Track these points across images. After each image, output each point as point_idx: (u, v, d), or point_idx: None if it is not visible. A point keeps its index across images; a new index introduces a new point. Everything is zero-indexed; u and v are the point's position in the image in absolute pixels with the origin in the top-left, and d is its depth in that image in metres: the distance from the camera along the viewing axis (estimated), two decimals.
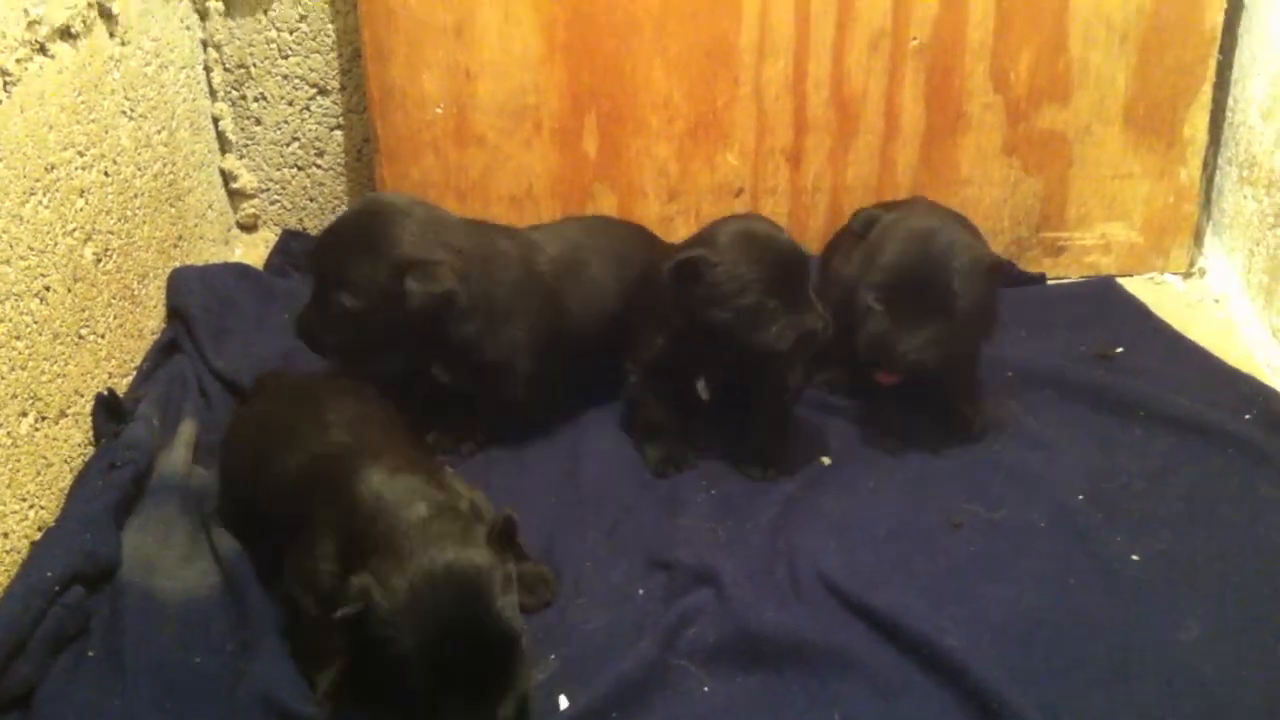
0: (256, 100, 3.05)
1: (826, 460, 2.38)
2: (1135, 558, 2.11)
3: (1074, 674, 1.88)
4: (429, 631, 1.67)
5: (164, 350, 2.58)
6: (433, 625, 1.67)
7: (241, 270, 2.91)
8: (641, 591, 2.07)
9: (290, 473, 1.98)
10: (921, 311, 2.31)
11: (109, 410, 2.31)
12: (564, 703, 1.82)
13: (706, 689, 1.86)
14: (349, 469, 1.89)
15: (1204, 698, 1.84)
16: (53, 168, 2.17)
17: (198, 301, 2.67)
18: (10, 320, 2.01)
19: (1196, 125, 2.92)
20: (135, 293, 2.51)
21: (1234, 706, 1.83)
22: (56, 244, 2.17)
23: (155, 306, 2.62)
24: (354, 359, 2.40)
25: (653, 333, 2.35)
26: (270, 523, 1.99)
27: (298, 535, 1.90)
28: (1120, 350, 2.65)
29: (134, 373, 2.49)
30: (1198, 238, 3.02)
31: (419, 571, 1.69)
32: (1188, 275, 3.01)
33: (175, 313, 2.65)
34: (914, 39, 2.84)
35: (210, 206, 2.94)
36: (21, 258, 2.05)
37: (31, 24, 2.12)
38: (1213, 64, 2.87)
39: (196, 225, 2.84)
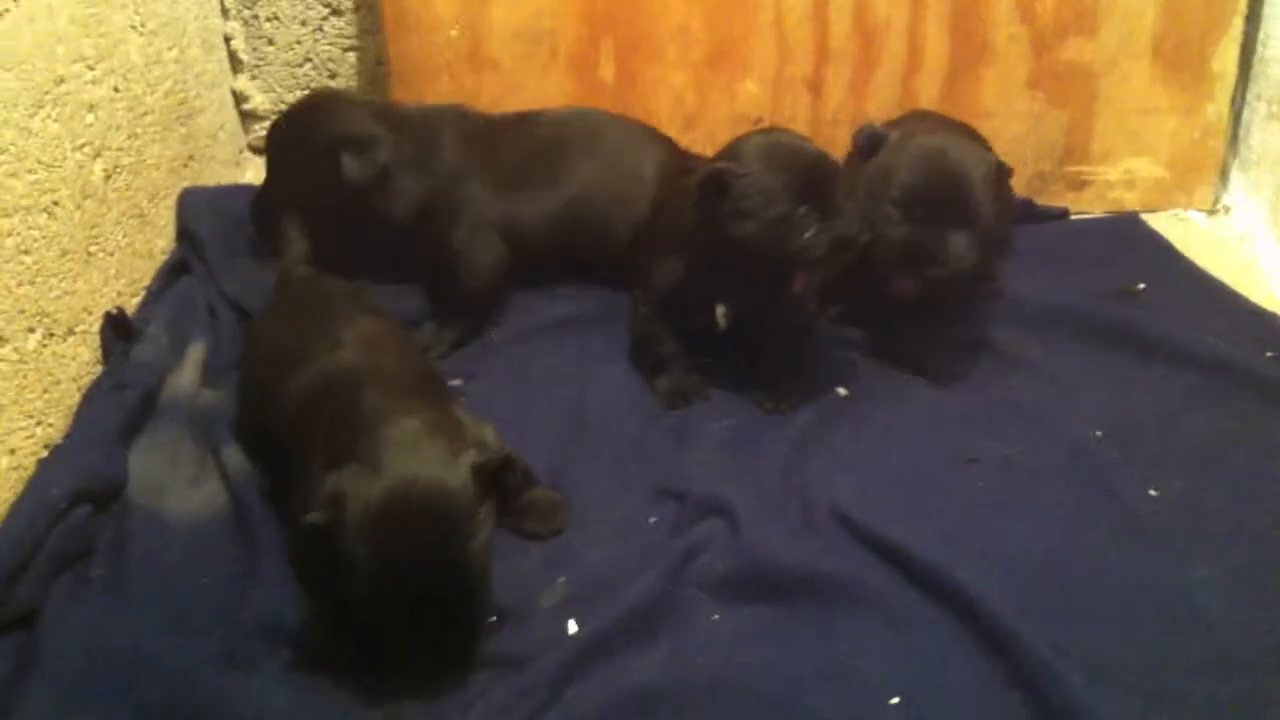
0: (269, 20, 3.01)
1: (844, 392, 2.35)
2: (1153, 492, 2.08)
3: (1084, 611, 1.86)
4: (387, 552, 1.61)
5: (173, 271, 2.56)
6: (392, 547, 1.61)
7: (252, 193, 2.87)
8: (652, 519, 2.05)
9: (299, 392, 1.94)
10: (946, 222, 2.30)
11: (117, 329, 2.29)
12: (573, 627, 1.81)
13: (715, 617, 1.85)
14: (353, 389, 1.85)
15: (1213, 637, 1.82)
16: (61, 80, 2.13)
17: (208, 223, 2.65)
18: (18, 234, 1.98)
19: (1226, 60, 2.87)
20: (145, 212, 2.48)
21: (1243, 647, 1.80)
22: (65, 159, 2.15)
23: (165, 226, 2.59)
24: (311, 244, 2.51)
25: (669, 257, 2.32)
26: (279, 443, 1.95)
27: (301, 458, 1.85)
28: (1142, 287, 2.62)
29: (143, 292, 2.47)
30: (1223, 174, 2.97)
31: (389, 485, 1.63)
32: (1212, 212, 2.97)
33: (185, 234, 2.63)
34: None
35: (222, 128, 2.90)
36: (30, 171, 2.02)
37: None
38: None
39: (208, 146, 2.81)
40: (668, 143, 2.73)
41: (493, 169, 2.59)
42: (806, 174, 2.18)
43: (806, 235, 2.17)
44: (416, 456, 1.67)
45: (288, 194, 2.56)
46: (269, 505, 2.01)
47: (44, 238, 2.06)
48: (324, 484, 1.66)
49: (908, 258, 2.32)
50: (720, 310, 2.31)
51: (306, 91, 3.09)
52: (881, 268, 2.35)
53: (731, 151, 2.25)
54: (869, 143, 2.40)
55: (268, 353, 2.11)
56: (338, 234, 2.51)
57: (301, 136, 2.54)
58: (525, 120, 2.70)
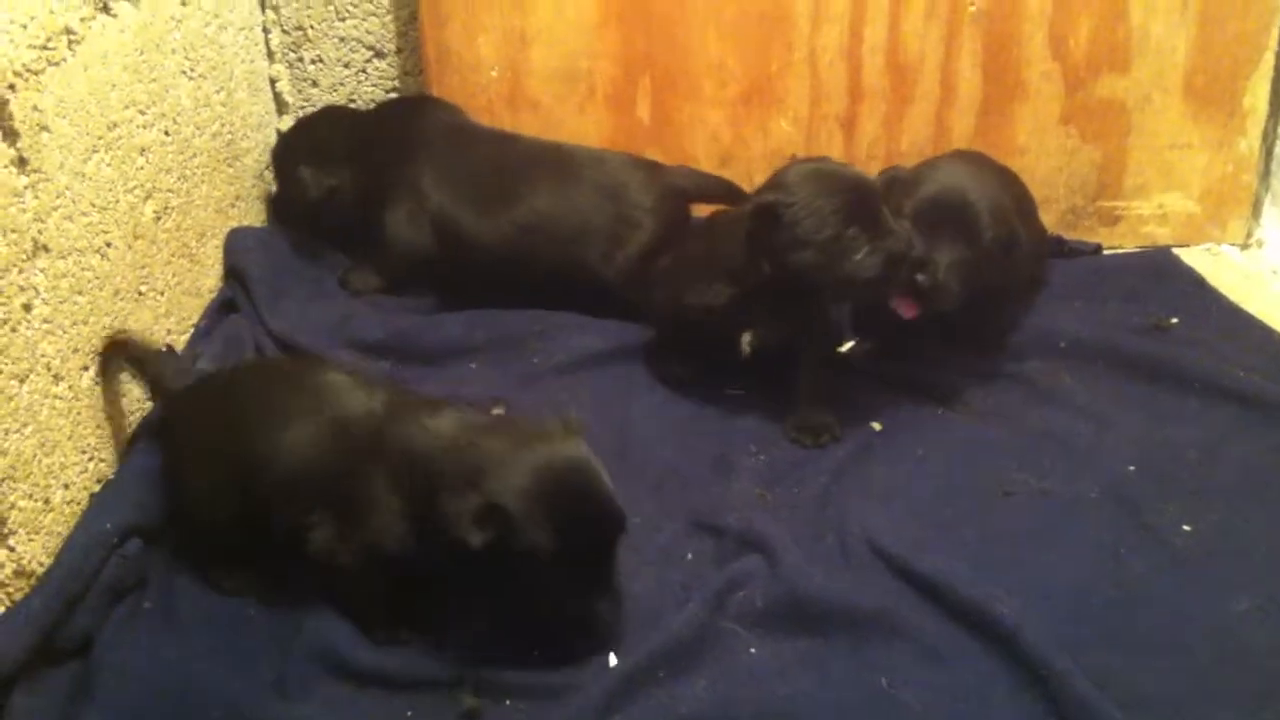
0: (314, 62, 3.07)
1: (878, 426, 2.38)
2: (1187, 529, 2.09)
3: (1123, 644, 1.87)
4: (567, 521, 1.71)
5: (221, 309, 2.60)
6: (568, 514, 1.71)
7: (298, 233, 2.93)
8: (689, 555, 2.07)
9: (301, 444, 1.90)
10: (951, 237, 2.35)
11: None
12: (613, 660, 1.83)
13: (754, 650, 1.87)
14: (382, 424, 1.86)
15: (1254, 670, 1.83)
16: (115, 126, 2.19)
17: (255, 262, 2.70)
18: (73, 275, 2.03)
19: (1257, 95, 2.89)
20: (194, 251, 2.53)
21: None
22: (118, 201, 2.20)
23: (213, 265, 2.65)
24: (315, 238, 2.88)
25: (702, 285, 2.37)
26: (275, 506, 1.92)
27: (330, 506, 1.85)
28: (1175, 321, 2.64)
29: (191, 330, 2.51)
30: (1256, 209, 2.99)
31: (540, 472, 1.72)
32: (1245, 246, 2.98)
33: (232, 272, 2.68)
34: (972, 5, 2.82)
35: (268, 167, 2.96)
36: (84, 214, 2.07)
37: None
38: (1275, 33, 2.84)
39: (254, 186, 2.87)
40: (669, 175, 2.76)
41: (457, 174, 2.72)
42: (851, 196, 2.23)
43: (858, 256, 2.22)
44: (534, 444, 1.77)
45: (280, 198, 2.92)
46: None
47: (97, 278, 2.11)
48: (466, 511, 1.70)
49: (897, 267, 2.34)
50: (746, 338, 2.36)
51: None
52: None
53: (775, 182, 2.30)
54: (891, 182, 2.45)
55: (235, 420, 2.00)
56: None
57: (283, 146, 2.93)
58: (506, 139, 2.80)
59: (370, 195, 2.78)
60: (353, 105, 3.10)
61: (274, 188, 2.97)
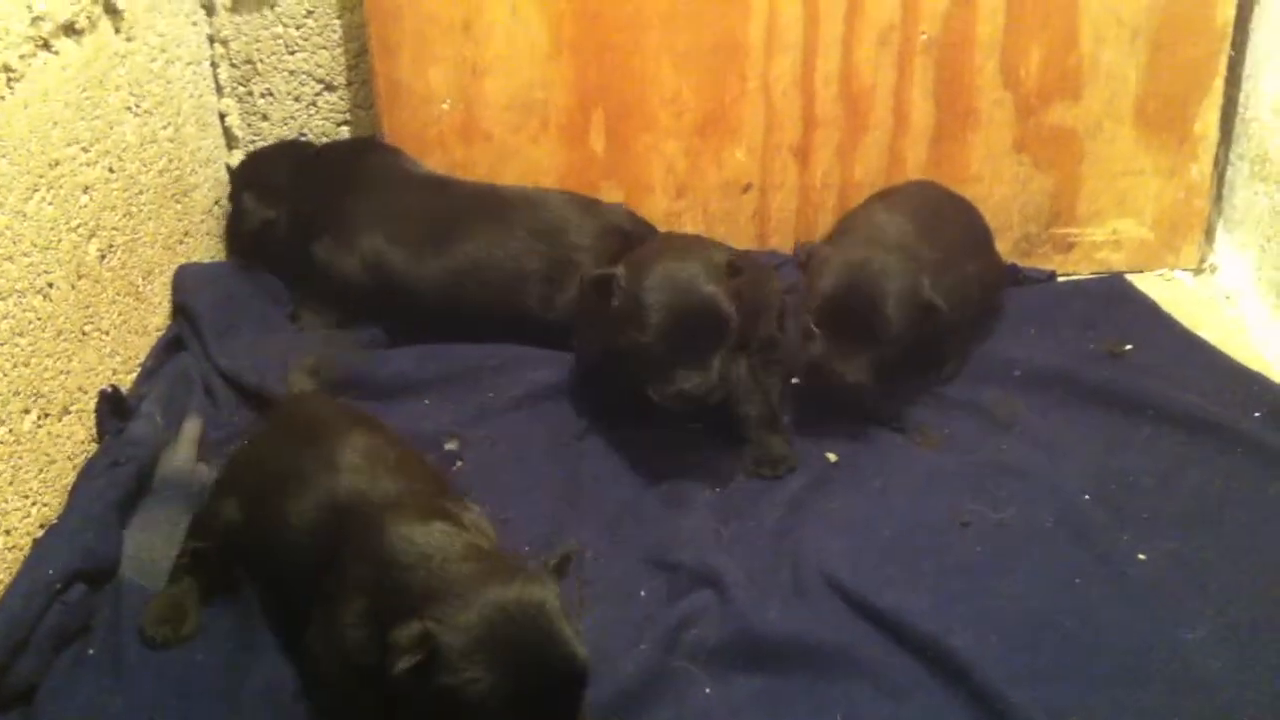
0: (264, 96, 3.05)
1: (833, 457, 2.36)
2: (1142, 557, 2.09)
3: (1080, 675, 1.87)
4: (508, 665, 1.55)
5: (168, 347, 2.57)
6: (511, 659, 1.56)
7: (247, 268, 2.90)
8: (643, 592, 2.05)
9: (305, 521, 1.86)
10: (855, 336, 2.35)
11: (113, 407, 2.30)
12: None
13: (708, 690, 1.85)
14: (373, 520, 1.77)
15: (1210, 699, 1.83)
16: (56, 164, 2.16)
17: (203, 299, 2.66)
18: (14, 317, 2.00)
19: (1208, 121, 2.90)
20: (140, 289, 2.50)
21: (1240, 708, 1.81)
22: (60, 240, 2.17)
23: (160, 303, 2.61)
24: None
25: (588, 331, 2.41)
26: (281, 572, 1.90)
27: (318, 593, 1.79)
28: (1130, 348, 2.64)
29: (138, 369, 2.48)
30: (1209, 234, 3.00)
31: (488, 608, 1.58)
32: (1199, 272, 2.99)
33: (180, 310, 2.65)
34: (923, 34, 2.83)
35: (217, 202, 2.93)
36: (25, 254, 2.04)
37: (36, 20, 2.11)
38: (1224, 60, 2.85)
39: (203, 221, 2.84)
40: (607, 214, 2.76)
41: (390, 217, 2.72)
42: (679, 318, 2.22)
43: (657, 376, 2.24)
44: (496, 579, 1.63)
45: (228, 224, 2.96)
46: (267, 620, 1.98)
47: (39, 319, 2.08)
48: (403, 633, 1.57)
49: (810, 376, 2.41)
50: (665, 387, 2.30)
51: None
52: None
53: (643, 257, 2.32)
54: (807, 259, 2.46)
55: (265, 477, 1.98)
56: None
57: (237, 173, 2.97)
58: (441, 183, 2.81)
59: (304, 231, 2.78)
60: (311, 140, 3.08)
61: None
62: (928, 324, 2.38)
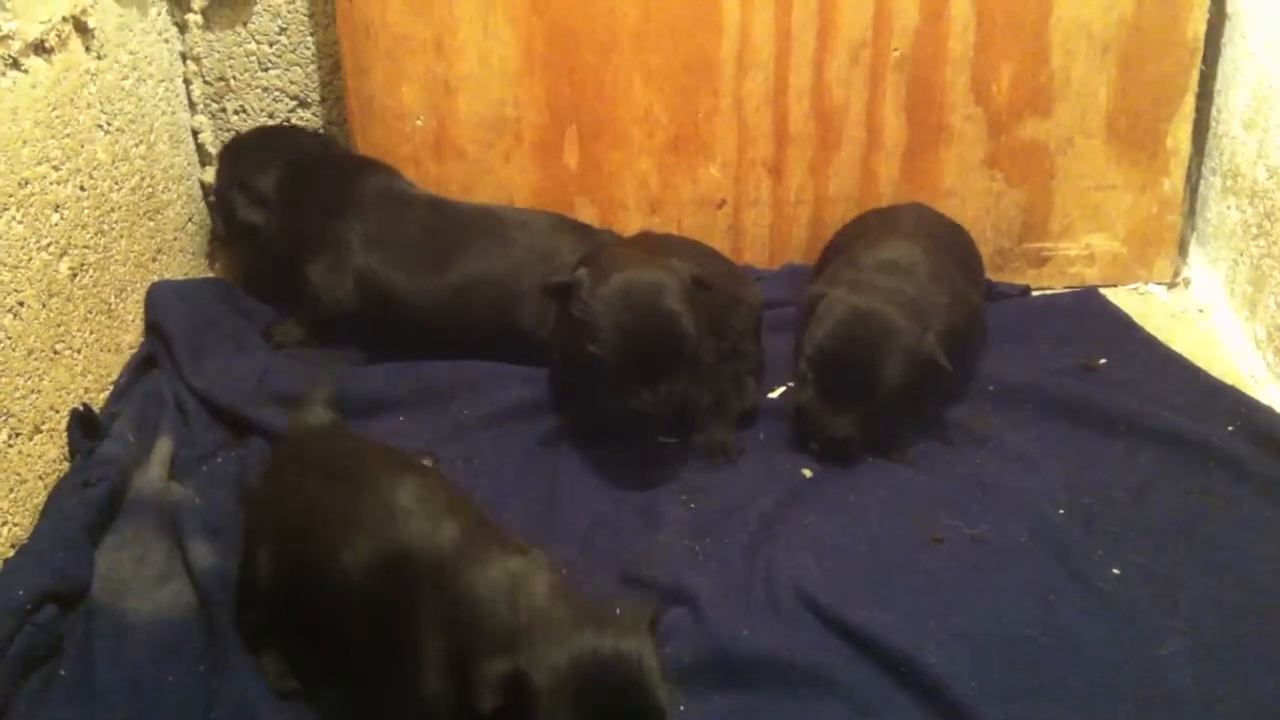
0: (237, 113, 3.04)
1: (808, 473, 2.36)
2: (1115, 572, 2.10)
3: (1053, 691, 1.88)
4: (596, 713, 1.52)
5: (141, 366, 2.56)
6: (600, 707, 1.52)
7: (221, 287, 2.89)
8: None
9: (361, 569, 1.76)
10: (847, 391, 2.34)
11: (84, 426, 2.29)
12: None
13: (683, 708, 1.85)
14: (445, 563, 1.70)
15: (1182, 714, 1.84)
16: (26, 183, 2.15)
17: (176, 318, 2.65)
18: None
19: (1179, 136, 2.91)
20: (112, 307, 2.49)
21: None
22: (31, 259, 2.16)
23: (133, 321, 2.60)
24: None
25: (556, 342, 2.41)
26: (332, 619, 1.82)
27: (383, 643, 1.72)
28: (1104, 362, 2.64)
29: (110, 388, 2.47)
30: (1182, 248, 3.02)
31: (582, 652, 1.53)
32: (1172, 285, 3.01)
33: (153, 328, 2.63)
34: (895, 50, 2.83)
35: (190, 219, 2.92)
36: None
37: (4, 39, 2.10)
38: (1195, 75, 2.86)
39: (176, 239, 2.83)
40: (598, 236, 2.75)
41: (388, 237, 2.70)
42: (637, 334, 2.23)
43: (614, 387, 2.24)
44: (590, 625, 1.58)
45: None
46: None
47: (9, 338, 2.07)
48: (489, 674, 1.53)
49: (801, 421, 2.40)
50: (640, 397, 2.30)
51: None
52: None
53: (609, 264, 2.30)
54: (810, 302, 2.43)
55: (306, 522, 1.88)
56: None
57: (226, 163, 2.90)
58: (438, 204, 2.79)
59: (293, 246, 2.76)
60: (298, 129, 3.07)
61: (224, 270, 3.04)
62: (927, 380, 2.35)
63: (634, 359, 2.23)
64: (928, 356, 2.32)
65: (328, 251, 2.70)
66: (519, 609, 1.60)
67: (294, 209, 2.78)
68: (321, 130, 3.07)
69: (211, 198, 2.99)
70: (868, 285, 2.40)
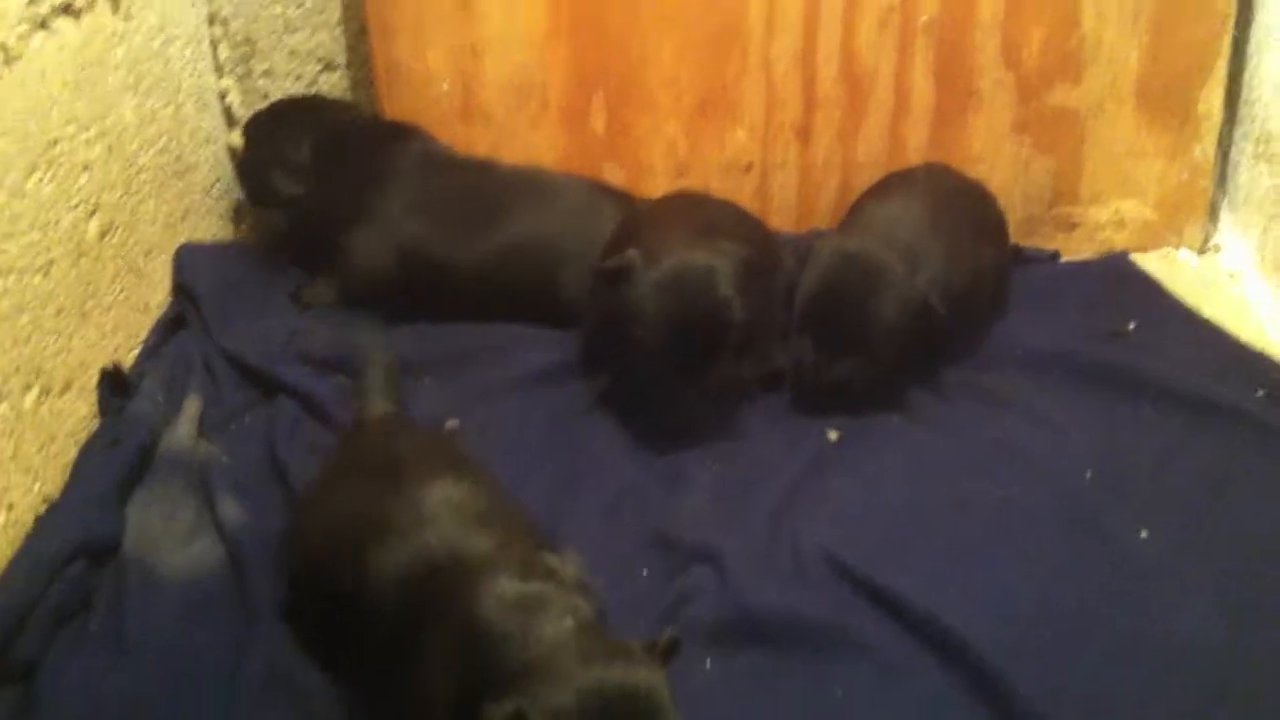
0: (264, 76, 3.04)
1: (833, 436, 2.36)
2: (1143, 535, 2.09)
3: (1078, 653, 1.87)
4: None
5: (170, 326, 2.57)
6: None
7: (248, 249, 2.91)
8: (645, 572, 2.05)
9: (388, 576, 1.69)
10: (841, 338, 2.32)
11: (114, 385, 2.30)
12: None
13: (708, 665, 1.85)
14: (466, 579, 1.61)
15: (1210, 678, 1.82)
16: (55, 143, 2.16)
17: (204, 279, 2.66)
18: (13, 295, 2.00)
19: (1211, 102, 2.88)
20: (141, 268, 2.50)
21: (1242, 685, 1.81)
22: (60, 219, 2.17)
23: (161, 281, 2.61)
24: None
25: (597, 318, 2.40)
26: (361, 633, 1.74)
27: (402, 664, 1.64)
28: (1133, 327, 2.63)
29: (139, 347, 2.48)
30: (1212, 214, 2.99)
31: (586, 693, 1.42)
32: (1202, 252, 2.98)
33: (181, 289, 2.65)
34: (924, 15, 2.81)
35: (217, 182, 2.92)
36: (24, 233, 2.04)
37: (32, 0, 2.10)
38: (1227, 40, 2.83)
39: (203, 201, 2.83)
40: (625, 200, 2.76)
41: (431, 203, 2.69)
42: (687, 321, 2.22)
43: (657, 373, 2.24)
44: (600, 658, 1.48)
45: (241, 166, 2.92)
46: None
47: (39, 297, 2.08)
48: (494, 711, 1.41)
49: (799, 378, 2.38)
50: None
51: None
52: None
53: (654, 247, 2.27)
54: (803, 256, 2.42)
55: (341, 521, 1.83)
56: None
57: (258, 137, 2.86)
58: (481, 167, 2.78)
59: (331, 215, 2.74)
60: (324, 99, 3.06)
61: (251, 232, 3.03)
62: (925, 327, 2.33)
63: (680, 347, 2.23)
64: (919, 299, 2.31)
65: (368, 220, 2.69)
66: (529, 641, 1.51)
67: (331, 178, 2.77)
68: (347, 95, 3.07)
69: (240, 170, 2.97)
70: (859, 233, 2.41)
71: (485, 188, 2.73)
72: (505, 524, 1.76)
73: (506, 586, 1.58)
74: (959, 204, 2.58)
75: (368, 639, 1.72)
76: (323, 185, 2.77)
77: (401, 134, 2.82)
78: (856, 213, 2.59)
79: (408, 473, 1.83)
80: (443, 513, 1.73)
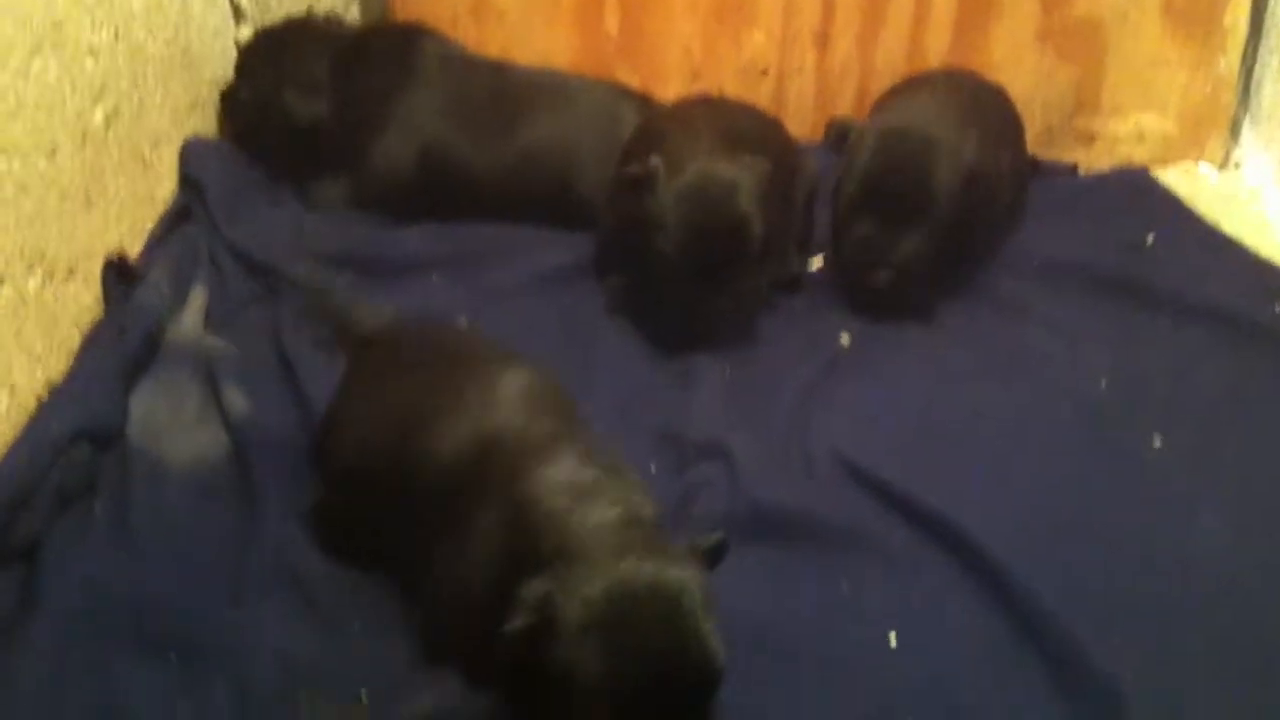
0: None
1: (846, 340, 2.34)
2: (1157, 444, 2.07)
3: (1090, 557, 1.86)
4: (625, 655, 1.35)
5: (176, 219, 2.53)
6: (630, 648, 1.36)
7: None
8: (653, 468, 2.03)
9: (445, 455, 1.66)
10: (902, 215, 2.28)
11: (119, 274, 2.27)
12: None
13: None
14: (522, 459, 1.58)
15: (1220, 584, 1.81)
16: (60, 25, 2.11)
17: (212, 173, 2.62)
18: (17, 176, 1.97)
19: (1237, 14, 2.84)
20: (147, 158, 2.46)
21: (1252, 591, 1.80)
22: (65, 102, 2.13)
23: (168, 174, 2.57)
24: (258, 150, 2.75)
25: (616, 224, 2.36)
26: (407, 518, 1.70)
27: (445, 538, 1.61)
28: (1151, 241, 2.60)
29: (145, 239, 2.45)
30: (1234, 129, 2.94)
31: (616, 586, 1.37)
32: (1223, 167, 2.94)
33: (188, 182, 2.60)
34: None
35: (225, 76, 2.87)
36: (29, 115, 2.00)
37: None
38: None
39: (211, 95, 2.78)
40: (646, 104, 2.71)
41: (454, 105, 2.65)
42: (708, 234, 2.19)
43: (675, 285, 2.22)
44: (635, 551, 1.42)
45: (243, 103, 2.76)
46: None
47: (43, 180, 2.05)
48: (527, 591, 1.40)
49: (860, 257, 2.33)
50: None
51: None
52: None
53: (676, 156, 2.23)
54: (837, 136, 2.38)
55: (396, 410, 1.77)
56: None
57: (262, 64, 2.75)
58: (500, 68, 2.74)
59: (351, 126, 2.69)
60: (327, 19, 2.96)
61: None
62: (972, 197, 2.31)
63: (700, 258, 2.20)
64: (969, 165, 2.29)
65: (392, 126, 2.65)
66: (573, 526, 1.47)
67: (350, 90, 2.71)
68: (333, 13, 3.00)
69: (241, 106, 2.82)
70: (898, 116, 2.39)
71: (506, 89, 2.69)
72: (566, 414, 1.73)
73: (562, 470, 1.55)
74: (982, 103, 2.55)
75: (415, 525, 1.68)
76: (342, 97, 2.71)
77: (416, 37, 2.76)
78: (882, 109, 2.55)
79: (472, 359, 1.80)
80: (510, 396, 1.70)
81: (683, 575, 1.41)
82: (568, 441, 1.62)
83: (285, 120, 2.73)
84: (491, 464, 1.61)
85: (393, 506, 1.71)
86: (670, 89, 2.88)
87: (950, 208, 2.29)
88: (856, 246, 2.34)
